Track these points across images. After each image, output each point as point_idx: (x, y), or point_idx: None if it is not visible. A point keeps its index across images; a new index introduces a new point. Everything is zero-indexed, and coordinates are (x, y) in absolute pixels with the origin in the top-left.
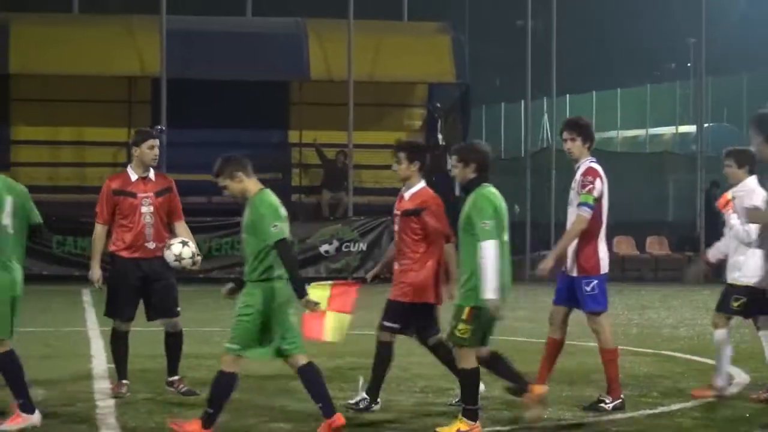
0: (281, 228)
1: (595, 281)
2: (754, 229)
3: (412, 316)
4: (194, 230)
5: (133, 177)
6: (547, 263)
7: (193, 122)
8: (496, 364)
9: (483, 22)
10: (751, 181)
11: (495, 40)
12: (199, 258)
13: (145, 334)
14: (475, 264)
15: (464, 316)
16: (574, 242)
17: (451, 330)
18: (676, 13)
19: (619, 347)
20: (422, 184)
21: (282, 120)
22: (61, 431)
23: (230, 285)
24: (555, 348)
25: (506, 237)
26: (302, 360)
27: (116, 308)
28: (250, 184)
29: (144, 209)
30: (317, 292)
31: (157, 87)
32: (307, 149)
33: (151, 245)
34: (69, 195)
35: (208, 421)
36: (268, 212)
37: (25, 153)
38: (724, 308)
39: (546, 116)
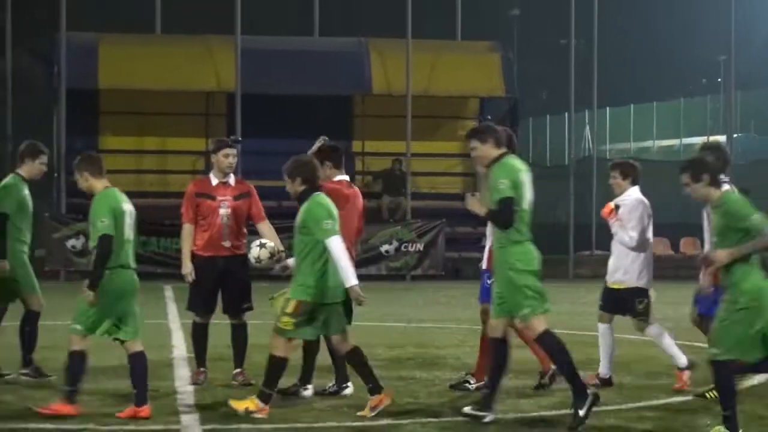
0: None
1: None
2: (636, 235)
3: None
4: None
5: (214, 182)
6: None
7: (265, 133)
8: (353, 358)
9: (530, 41)
10: (634, 191)
11: (541, 57)
12: (282, 254)
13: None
14: (306, 262)
15: (289, 309)
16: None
17: (277, 319)
18: (708, 32)
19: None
20: None
21: (346, 131)
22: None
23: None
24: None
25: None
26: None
27: (195, 302)
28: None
29: (222, 211)
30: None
31: (232, 101)
32: (369, 157)
33: (227, 244)
34: (152, 199)
35: (69, 399)
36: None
37: (112, 161)
38: (628, 310)
39: (588, 127)
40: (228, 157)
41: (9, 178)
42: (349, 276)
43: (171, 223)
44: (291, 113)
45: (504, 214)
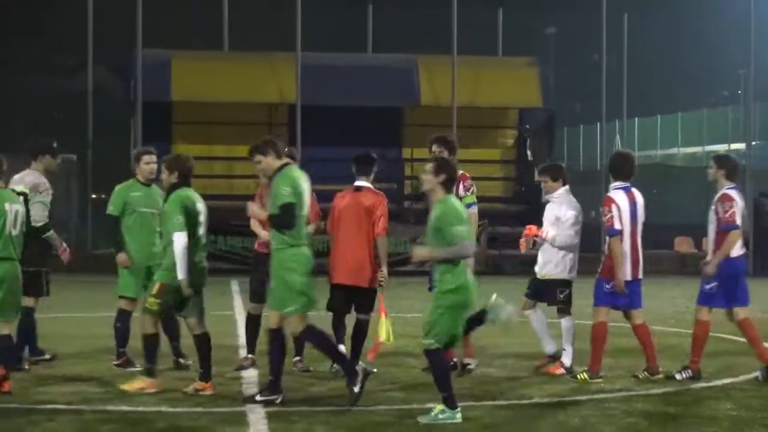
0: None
1: None
2: (573, 233)
3: None
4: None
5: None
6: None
7: (323, 141)
8: (201, 342)
9: (565, 57)
10: (564, 191)
11: (575, 72)
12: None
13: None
14: (170, 249)
15: (154, 291)
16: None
17: (144, 301)
18: (729, 48)
19: (679, 330)
20: None
21: (397, 139)
22: (213, 397)
23: None
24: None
25: (201, 231)
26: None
27: (253, 294)
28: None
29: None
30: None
31: (293, 112)
32: (417, 163)
33: None
34: (220, 202)
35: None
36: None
37: None
38: (551, 300)
39: (618, 136)
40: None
41: (126, 182)
42: (180, 270)
43: (237, 224)
44: (346, 123)
45: (286, 217)
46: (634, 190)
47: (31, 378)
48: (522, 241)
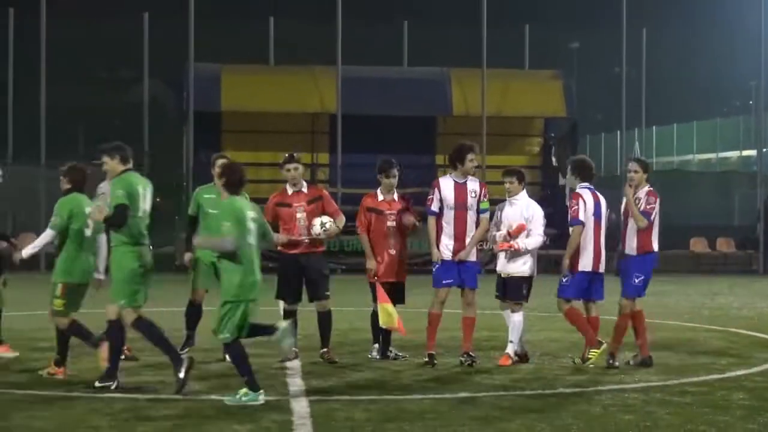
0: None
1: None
2: (542, 233)
3: None
4: None
5: (289, 191)
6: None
7: (361, 148)
8: (72, 329)
9: (588, 70)
10: (524, 194)
11: (597, 83)
12: (335, 227)
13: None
14: (63, 248)
15: (58, 293)
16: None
17: (51, 303)
18: (741, 60)
19: (695, 325)
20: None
21: (430, 147)
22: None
23: None
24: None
25: (88, 232)
26: None
27: (283, 292)
28: None
29: (298, 215)
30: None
31: (334, 121)
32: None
33: (306, 240)
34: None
35: None
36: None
37: None
38: (516, 296)
39: (637, 143)
40: (289, 171)
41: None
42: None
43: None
44: (383, 131)
45: (118, 217)
46: (597, 192)
47: (91, 368)
48: (498, 252)
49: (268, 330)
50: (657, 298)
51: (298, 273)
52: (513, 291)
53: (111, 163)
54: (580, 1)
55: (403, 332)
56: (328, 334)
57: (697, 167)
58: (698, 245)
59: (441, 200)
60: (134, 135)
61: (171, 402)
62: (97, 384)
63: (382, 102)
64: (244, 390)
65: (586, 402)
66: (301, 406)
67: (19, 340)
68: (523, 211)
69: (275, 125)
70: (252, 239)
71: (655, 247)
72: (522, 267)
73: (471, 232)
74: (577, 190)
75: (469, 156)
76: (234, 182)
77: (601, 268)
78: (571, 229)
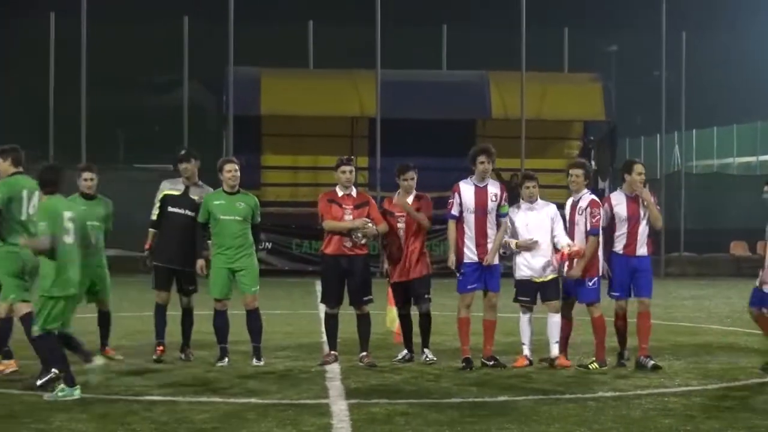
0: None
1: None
2: None
3: None
4: None
5: (339, 193)
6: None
7: (401, 152)
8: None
9: (627, 73)
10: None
11: (636, 86)
12: (371, 228)
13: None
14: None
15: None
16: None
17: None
18: None
19: (735, 329)
20: None
21: (469, 150)
22: (300, 388)
23: None
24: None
25: (69, 240)
26: None
27: (328, 296)
28: None
29: (346, 217)
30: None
31: (374, 125)
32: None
33: (348, 245)
34: (306, 208)
35: None
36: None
37: (272, 176)
38: (556, 296)
39: (677, 147)
40: (344, 173)
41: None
42: None
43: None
44: (423, 135)
45: None
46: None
47: (130, 371)
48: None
49: (86, 355)
50: (697, 302)
51: (340, 276)
52: (553, 292)
53: (3, 165)
54: (619, 4)
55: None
56: (367, 337)
57: (737, 170)
58: (738, 248)
59: (461, 204)
60: (174, 139)
61: (211, 405)
62: (38, 382)
63: (421, 106)
64: (61, 386)
65: (626, 406)
66: (340, 409)
67: None
68: (551, 214)
69: (314, 129)
70: (69, 238)
71: (617, 249)
72: (555, 272)
73: (492, 236)
74: (593, 197)
75: (479, 158)
76: (47, 182)
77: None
78: (590, 238)
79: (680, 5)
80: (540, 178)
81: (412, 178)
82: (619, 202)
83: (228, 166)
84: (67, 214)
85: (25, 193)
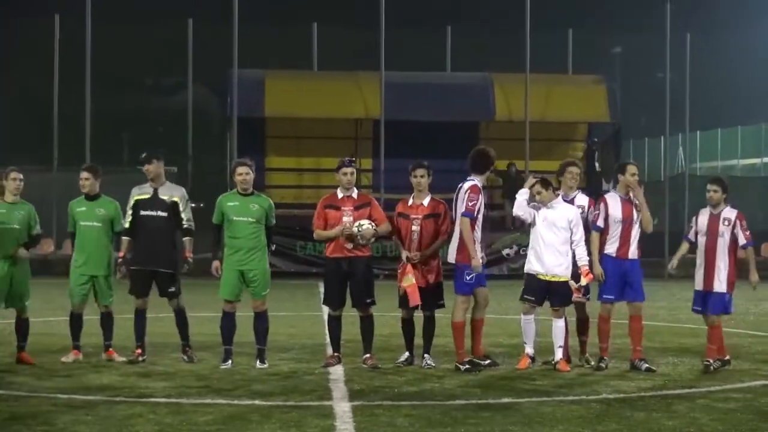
0: None
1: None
2: None
3: None
4: None
5: (339, 195)
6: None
7: (404, 153)
8: None
9: (631, 75)
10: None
11: (640, 88)
12: (371, 229)
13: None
14: None
15: None
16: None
17: None
18: None
19: (739, 331)
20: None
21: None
22: (303, 390)
23: None
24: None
25: None
26: None
27: (330, 298)
28: None
29: (345, 219)
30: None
31: (378, 127)
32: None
33: (350, 246)
34: (310, 210)
35: None
36: None
37: (276, 178)
38: (565, 302)
39: (681, 149)
40: (346, 175)
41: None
42: None
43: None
44: (427, 137)
45: None
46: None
47: (134, 372)
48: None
49: None
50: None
51: (342, 278)
52: (561, 299)
53: None
54: (623, 6)
55: (416, 300)
56: (370, 339)
57: (741, 172)
58: (742, 251)
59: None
60: (178, 141)
61: (215, 406)
62: None
63: (425, 107)
64: None
65: (630, 407)
66: (343, 411)
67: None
68: (567, 214)
69: (318, 131)
70: None
71: (609, 251)
72: (566, 271)
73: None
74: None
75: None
76: None
77: None
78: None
79: (684, 7)
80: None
81: (422, 176)
82: (613, 203)
83: (239, 169)
84: None
85: None
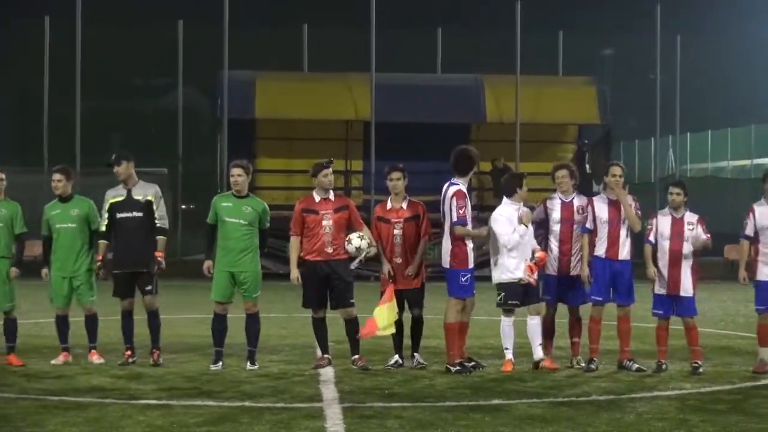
0: None
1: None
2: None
3: None
4: None
5: (317, 198)
6: None
7: (395, 155)
8: None
9: (622, 76)
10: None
11: (631, 90)
12: (373, 248)
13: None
14: None
15: None
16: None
17: None
18: None
19: (729, 332)
20: None
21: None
22: (293, 392)
23: None
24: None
25: None
26: None
27: (308, 300)
28: None
29: (325, 222)
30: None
31: (368, 128)
32: (483, 176)
33: (330, 249)
34: None
35: None
36: None
37: (266, 179)
38: (537, 299)
39: (671, 150)
40: (326, 176)
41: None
42: None
43: None
44: (417, 138)
45: None
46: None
47: (124, 374)
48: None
49: None
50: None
51: (322, 280)
52: (535, 295)
53: None
54: (614, 8)
55: (363, 335)
56: (357, 342)
57: (732, 174)
58: (733, 252)
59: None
60: (169, 142)
61: (205, 408)
62: None
63: (416, 109)
64: None
65: (620, 409)
66: (334, 412)
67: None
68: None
69: (309, 132)
70: None
71: (599, 252)
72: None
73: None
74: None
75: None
76: None
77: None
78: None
79: (675, 9)
80: (534, 182)
81: (398, 179)
82: (600, 204)
83: (233, 170)
84: None
85: None
